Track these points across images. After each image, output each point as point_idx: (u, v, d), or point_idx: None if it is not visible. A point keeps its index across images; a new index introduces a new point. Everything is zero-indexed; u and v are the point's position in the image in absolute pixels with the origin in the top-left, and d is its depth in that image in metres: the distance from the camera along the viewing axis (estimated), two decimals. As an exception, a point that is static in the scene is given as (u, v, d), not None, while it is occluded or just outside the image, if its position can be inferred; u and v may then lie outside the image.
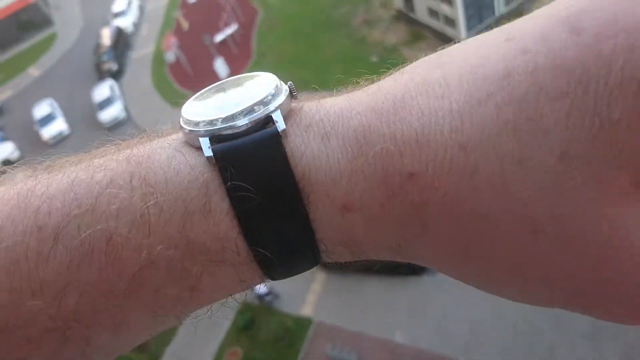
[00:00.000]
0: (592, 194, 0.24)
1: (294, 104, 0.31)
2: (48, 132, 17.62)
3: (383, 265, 10.49)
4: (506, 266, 0.27)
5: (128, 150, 0.30)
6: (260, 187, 0.27)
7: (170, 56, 18.65)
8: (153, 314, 0.29)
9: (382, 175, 0.27)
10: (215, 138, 0.28)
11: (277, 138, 0.28)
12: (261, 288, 9.86)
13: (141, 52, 20.64)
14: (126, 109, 17.65)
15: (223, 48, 17.52)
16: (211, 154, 0.28)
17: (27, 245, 0.26)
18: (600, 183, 0.24)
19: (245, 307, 10.75)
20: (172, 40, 18.87)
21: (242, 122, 0.29)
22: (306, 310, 10.69)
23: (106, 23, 22.01)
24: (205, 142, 0.28)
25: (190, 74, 17.67)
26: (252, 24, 18.88)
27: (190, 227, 0.27)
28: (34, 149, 17.70)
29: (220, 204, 0.27)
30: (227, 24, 18.34)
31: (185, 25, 20.57)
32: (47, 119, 17.92)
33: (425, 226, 0.27)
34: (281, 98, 0.30)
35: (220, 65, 16.12)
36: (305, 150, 0.28)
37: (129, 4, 22.75)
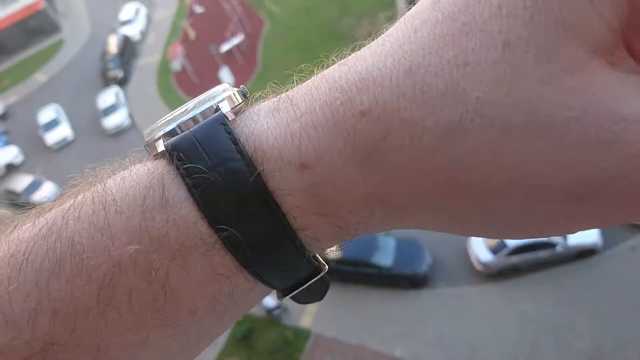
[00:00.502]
0: (548, 70, 0.23)
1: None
2: (52, 138, 17.68)
3: (383, 278, 10.46)
4: (489, 175, 0.25)
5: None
6: (213, 167, 0.27)
7: (176, 65, 18.76)
8: (134, 328, 0.27)
9: (333, 122, 0.27)
10: (168, 137, 0.29)
11: (221, 119, 0.29)
12: (268, 301, 9.77)
13: (147, 60, 20.77)
14: (131, 116, 17.72)
15: (229, 58, 17.62)
16: (163, 149, 0.29)
17: (0, 273, 0.26)
18: (552, 58, 0.23)
19: (244, 318, 10.70)
20: (179, 49, 18.99)
21: (190, 115, 0.30)
22: (305, 322, 10.63)
23: (113, 31, 22.17)
24: (159, 143, 0.29)
25: (195, 83, 17.76)
26: (258, 34, 19.01)
27: (150, 220, 0.27)
28: (38, 153, 17.77)
29: (177, 192, 0.28)
30: (233, 34, 18.47)
31: (192, 34, 20.72)
32: (52, 124, 17.98)
33: (391, 161, 0.26)
34: (227, 92, 0.31)
35: (225, 75, 16.20)
36: (255, 125, 0.29)
37: (137, 12, 22.94)
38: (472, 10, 0.25)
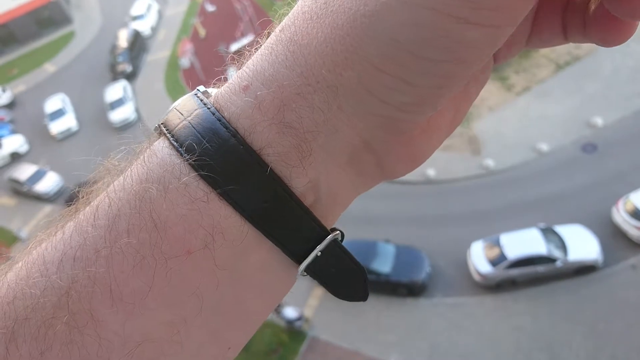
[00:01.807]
0: None
1: None
2: (56, 127, 17.78)
3: (381, 285, 10.44)
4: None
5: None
6: (185, 117, 0.34)
7: (184, 62, 18.81)
8: (137, 268, 0.30)
9: (283, 60, 0.32)
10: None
11: (196, 93, 0.35)
12: (290, 312, 9.65)
13: (156, 56, 20.83)
14: (137, 110, 17.78)
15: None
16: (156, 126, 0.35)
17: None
18: None
19: (240, 317, 10.70)
20: (188, 46, 19.05)
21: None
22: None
23: (124, 25, 22.27)
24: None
25: (203, 81, 17.73)
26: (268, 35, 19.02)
27: (141, 166, 0.33)
28: (43, 143, 17.83)
29: (160, 143, 0.34)
30: (243, 34, 18.52)
31: (202, 32, 20.79)
32: (57, 114, 18.10)
33: (355, 68, 0.30)
34: (202, 88, 0.37)
35: (233, 74, 16.21)
36: (217, 90, 0.35)
37: (149, 8, 23.04)
38: None
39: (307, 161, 0.33)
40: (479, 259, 10.14)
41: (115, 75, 19.56)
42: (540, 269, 9.74)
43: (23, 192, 15.66)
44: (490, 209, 11.40)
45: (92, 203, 0.33)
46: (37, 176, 15.53)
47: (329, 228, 0.35)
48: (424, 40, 0.28)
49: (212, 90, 0.37)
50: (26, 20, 24.39)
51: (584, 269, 9.71)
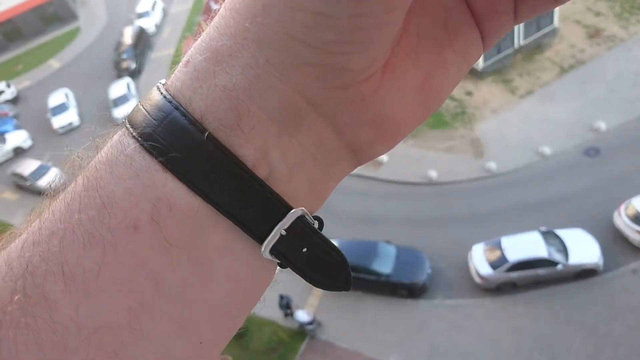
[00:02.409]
0: None
1: None
2: (58, 122, 17.87)
3: (382, 285, 10.44)
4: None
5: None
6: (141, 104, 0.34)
7: (189, 60, 18.78)
8: (87, 246, 0.30)
9: (217, 26, 0.32)
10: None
11: (158, 85, 0.35)
12: (302, 315, 9.50)
13: (161, 54, 20.85)
14: (141, 108, 17.78)
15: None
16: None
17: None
18: None
19: (240, 315, 10.70)
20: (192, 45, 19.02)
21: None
22: (301, 324, 10.63)
23: (129, 22, 22.29)
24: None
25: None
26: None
27: (100, 152, 0.33)
28: (46, 138, 17.87)
29: (119, 131, 0.34)
30: (247, 33, 18.51)
31: (206, 30, 20.75)
32: (60, 109, 18.19)
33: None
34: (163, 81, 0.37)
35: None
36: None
37: (154, 5, 23.04)
38: None
39: (247, 124, 0.31)
40: (479, 261, 10.13)
41: (120, 72, 19.58)
42: (541, 272, 9.73)
43: (26, 187, 15.70)
44: (492, 211, 11.39)
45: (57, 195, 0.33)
46: (41, 171, 15.56)
47: (304, 210, 0.33)
48: None
49: None
50: (31, 16, 24.45)
51: (585, 273, 9.70)
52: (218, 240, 0.32)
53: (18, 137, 17.81)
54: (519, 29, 15.03)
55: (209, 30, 0.33)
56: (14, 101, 20.27)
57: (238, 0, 0.31)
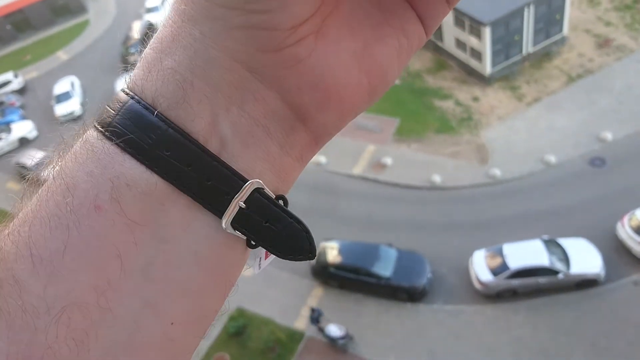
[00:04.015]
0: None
1: None
2: (60, 110, 18.14)
3: (382, 288, 10.43)
4: None
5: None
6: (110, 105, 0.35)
7: (196, 56, 18.84)
8: (54, 229, 0.31)
9: (165, 19, 0.35)
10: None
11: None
12: (334, 330, 9.33)
13: (169, 49, 20.89)
14: (147, 102, 17.86)
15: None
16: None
17: None
18: None
19: (238, 313, 10.71)
20: (201, 41, 19.07)
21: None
22: (299, 324, 10.61)
23: (138, 17, 22.35)
24: None
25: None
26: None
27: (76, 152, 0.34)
28: (51, 128, 17.91)
29: (90, 131, 0.35)
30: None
31: (215, 27, 20.81)
32: (64, 97, 18.44)
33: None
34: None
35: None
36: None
37: (163, 0, 23.10)
38: None
39: (194, 98, 0.32)
40: (480, 267, 10.11)
41: (127, 66, 19.61)
42: (542, 280, 9.70)
43: (27, 176, 15.76)
44: (495, 218, 11.36)
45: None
46: (42, 161, 15.63)
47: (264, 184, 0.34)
48: None
49: None
50: (42, 7, 24.55)
51: (586, 283, 9.66)
52: (179, 216, 0.32)
53: (24, 128, 17.89)
54: (527, 36, 15.01)
55: (160, 24, 0.36)
56: (21, 91, 20.36)
57: None
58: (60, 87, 18.81)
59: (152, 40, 0.35)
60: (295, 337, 10.43)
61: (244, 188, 0.33)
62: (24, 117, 18.60)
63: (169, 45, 0.33)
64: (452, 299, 10.36)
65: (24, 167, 15.86)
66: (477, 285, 10.09)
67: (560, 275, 9.61)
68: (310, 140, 0.37)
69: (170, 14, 0.34)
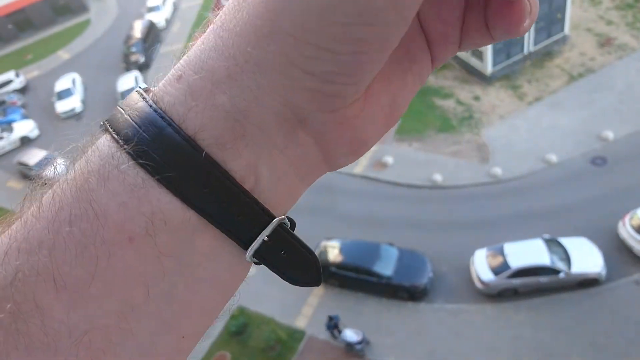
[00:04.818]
0: None
1: None
2: (61, 107, 18.17)
3: (383, 287, 10.43)
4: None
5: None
6: (125, 111, 0.35)
7: (197, 55, 18.83)
8: (79, 257, 0.31)
9: (213, 46, 0.34)
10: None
11: (137, 89, 0.36)
12: (350, 335, 9.19)
13: (170, 48, 20.89)
14: (148, 101, 17.83)
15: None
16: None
17: None
18: None
19: (239, 312, 10.72)
20: (202, 40, 19.05)
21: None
22: (300, 323, 10.62)
23: (140, 16, 22.36)
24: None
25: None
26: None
27: (84, 162, 0.33)
28: (53, 128, 17.95)
29: (102, 136, 0.34)
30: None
31: (216, 26, 20.79)
32: (65, 94, 18.47)
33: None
34: (143, 85, 0.37)
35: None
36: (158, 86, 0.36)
37: (164, 0, 23.12)
38: None
39: (242, 142, 0.33)
40: (481, 266, 10.10)
41: (128, 65, 19.64)
42: (543, 279, 9.70)
43: (31, 177, 15.77)
44: (496, 217, 11.36)
45: (39, 197, 0.34)
46: (46, 162, 15.64)
47: (279, 215, 0.36)
48: (334, 6, 0.29)
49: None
50: (43, 6, 24.57)
51: (587, 282, 9.66)
52: (206, 246, 0.34)
53: (25, 127, 17.91)
54: (529, 35, 14.99)
55: (203, 48, 0.34)
56: (22, 91, 20.37)
57: (236, 23, 0.33)
58: (61, 84, 18.84)
59: (196, 61, 0.34)
60: (295, 336, 10.44)
61: (272, 225, 0.35)
62: (25, 117, 18.62)
63: (223, 81, 0.33)
64: (453, 298, 10.37)
65: (25, 166, 15.88)
66: (478, 285, 10.09)
67: (562, 275, 9.60)
68: (325, 172, 0.40)
69: (228, 44, 0.33)
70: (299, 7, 0.30)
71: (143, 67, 19.62)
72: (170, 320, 0.34)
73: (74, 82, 19.02)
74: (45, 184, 0.35)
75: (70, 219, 0.31)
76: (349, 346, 9.76)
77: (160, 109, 0.33)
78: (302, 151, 0.36)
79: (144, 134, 0.33)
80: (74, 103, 18.22)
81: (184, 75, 0.34)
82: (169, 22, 22.75)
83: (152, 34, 21.00)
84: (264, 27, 0.31)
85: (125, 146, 0.32)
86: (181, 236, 0.32)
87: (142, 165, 0.32)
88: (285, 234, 0.36)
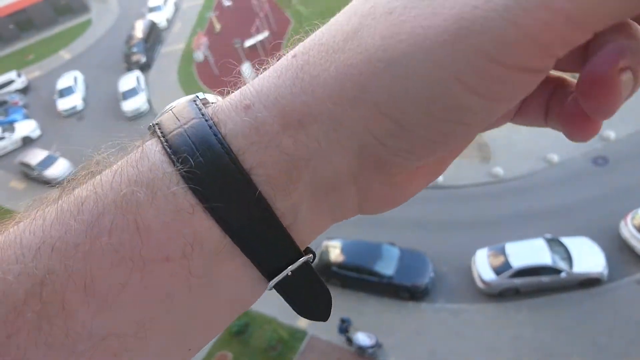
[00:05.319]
0: None
1: None
2: (63, 104, 18.27)
3: (384, 287, 10.43)
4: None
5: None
6: (181, 125, 0.34)
7: (199, 55, 18.87)
8: (116, 266, 0.31)
9: (290, 86, 0.33)
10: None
11: (195, 100, 0.36)
12: (363, 339, 9.05)
13: (171, 48, 20.92)
14: (149, 101, 17.86)
15: (252, 53, 17.71)
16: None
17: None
18: None
19: (241, 312, 10.71)
20: (203, 40, 19.11)
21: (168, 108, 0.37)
22: (301, 323, 10.62)
23: (141, 16, 22.39)
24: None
25: (216, 75, 17.86)
26: (283, 33, 19.07)
27: (131, 169, 0.33)
28: (55, 128, 17.98)
29: (152, 146, 0.34)
30: (258, 30, 18.54)
31: (217, 26, 20.84)
32: (66, 91, 18.55)
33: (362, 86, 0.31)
34: (201, 95, 0.38)
35: (246, 70, 16.27)
36: (216, 104, 0.36)
37: (165, 0, 23.15)
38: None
39: (294, 186, 0.34)
40: (483, 266, 10.10)
41: (130, 65, 19.67)
42: (545, 279, 9.69)
43: (33, 177, 15.78)
44: (497, 217, 11.35)
45: (77, 194, 0.33)
46: (48, 162, 15.65)
47: (302, 249, 0.36)
48: (432, 98, 0.30)
49: (210, 97, 0.38)
50: (44, 6, 24.61)
51: (589, 282, 9.64)
52: (232, 270, 0.34)
53: (27, 127, 17.93)
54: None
55: (278, 84, 0.34)
56: (24, 91, 20.41)
57: (321, 72, 0.32)
58: (63, 82, 18.91)
59: (268, 95, 0.34)
60: (297, 335, 10.44)
61: (299, 262, 0.36)
62: (27, 116, 18.64)
63: (294, 126, 0.33)
64: (454, 297, 10.36)
65: (27, 166, 15.91)
66: (479, 285, 10.09)
67: (563, 274, 9.59)
68: (354, 215, 0.41)
69: (307, 91, 0.33)
70: (399, 87, 0.30)
71: (144, 67, 19.65)
72: (184, 335, 0.35)
73: (75, 80, 19.07)
74: (82, 180, 0.35)
75: (110, 229, 0.31)
76: (361, 350, 9.69)
77: (221, 134, 0.33)
78: (343, 198, 0.37)
79: (200, 158, 0.32)
80: (75, 101, 18.28)
81: (253, 108, 0.34)
82: (170, 22, 22.78)
83: (154, 34, 21.03)
84: (352, 90, 0.31)
85: (180, 167, 0.32)
86: (213, 260, 0.33)
87: (192, 189, 0.32)
88: (308, 271, 0.37)
